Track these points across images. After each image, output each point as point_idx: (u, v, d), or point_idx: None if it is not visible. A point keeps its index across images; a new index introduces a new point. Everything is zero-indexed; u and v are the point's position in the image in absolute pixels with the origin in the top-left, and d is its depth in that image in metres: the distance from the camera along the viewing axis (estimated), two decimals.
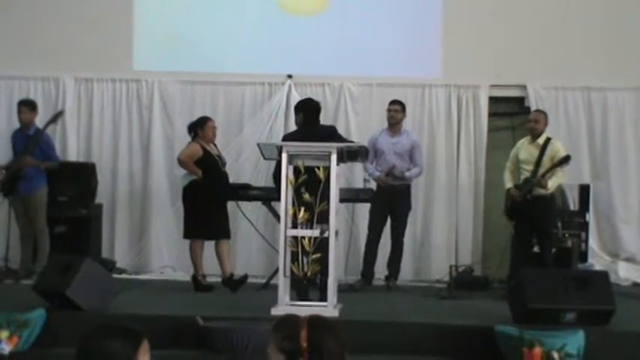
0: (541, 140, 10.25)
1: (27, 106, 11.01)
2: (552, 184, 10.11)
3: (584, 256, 11.41)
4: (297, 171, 7.86)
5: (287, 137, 9.30)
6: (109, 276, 8.69)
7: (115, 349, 3.10)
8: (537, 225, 10.21)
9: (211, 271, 10.45)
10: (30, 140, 10.79)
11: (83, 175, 11.87)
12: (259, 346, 6.57)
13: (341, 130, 10.24)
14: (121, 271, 11.78)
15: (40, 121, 11.09)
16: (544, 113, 10.62)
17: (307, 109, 9.32)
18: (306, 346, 3.25)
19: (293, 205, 7.84)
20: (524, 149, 10.38)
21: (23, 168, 10.69)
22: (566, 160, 10.06)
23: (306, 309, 7.15)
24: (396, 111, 10.85)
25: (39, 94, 12.34)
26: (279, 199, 8.04)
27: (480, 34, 12.28)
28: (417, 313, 8.43)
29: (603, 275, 7.89)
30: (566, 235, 11.20)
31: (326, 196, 7.77)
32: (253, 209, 11.20)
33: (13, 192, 10.75)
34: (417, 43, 12.43)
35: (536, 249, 10.46)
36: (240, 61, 12.46)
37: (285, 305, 7.75)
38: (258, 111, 12.39)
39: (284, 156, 7.87)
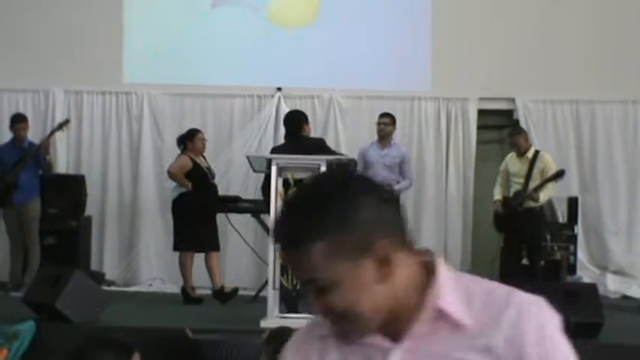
0: (530, 154, 10.33)
1: (24, 121, 11.09)
2: (543, 196, 10.19)
3: (572, 269, 11.43)
4: (286, 183, 7.88)
5: (276, 150, 9.31)
6: (99, 288, 8.70)
7: None
8: (526, 237, 10.26)
9: (201, 283, 10.45)
10: (26, 152, 10.82)
11: (73, 187, 11.86)
12: (248, 359, 6.57)
13: (330, 143, 10.26)
14: (110, 283, 11.76)
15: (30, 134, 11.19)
16: (521, 132, 10.71)
17: (286, 122, 9.38)
18: None
19: None
20: (514, 163, 10.45)
21: (18, 178, 10.72)
22: (560, 174, 10.15)
23: (296, 321, 7.15)
24: (386, 124, 10.88)
25: (29, 107, 12.33)
26: (268, 211, 8.06)
27: (469, 47, 12.32)
28: None
29: (592, 288, 7.92)
30: (555, 247, 11.24)
31: None
32: (243, 222, 11.20)
33: (7, 203, 10.78)
34: (406, 55, 12.46)
35: (524, 261, 10.50)
36: (229, 74, 12.47)
37: (274, 317, 7.75)
38: (248, 123, 12.40)
39: (273, 168, 7.89)
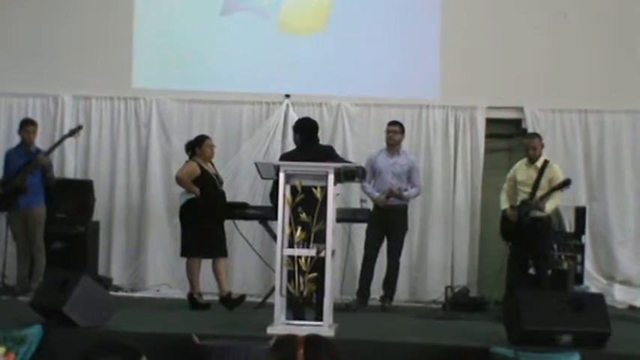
0: (539, 163, 10.32)
1: (35, 125, 11.15)
2: (550, 206, 10.17)
3: (579, 279, 11.41)
4: (294, 190, 7.88)
5: (285, 157, 9.32)
6: (106, 293, 8.71)
7: None
8: (534, 247, 10.24)
9: (208, 289, 10.46)
10: (34, 157, 10.85)
11: (81, 192, 11.90)
12: None
13: (338, 150, 10.26)
14: (117, 288, 11.77)
15: (39, 140, 11.25)
16: (539, 136, 10.70)
17: (303, 129, 9.33)
18: None
19: (290, 224, 7.84)
20: (522, 171, 10.43)
21: (25, 182, 10.74)
22: (566, 183, 10.14)
23: (302, 328, 7.16)
24: (395, 132, 10.89)
25: (38, 112, 12.37)
26: (276, 218, 8.06)
27: (478, 56, 12.32)
28: (412, 334, 8.43)
29: (599, 297, 7.90)
30: (562, 257, 11.21)
31: (323, 216, 7.78)
32: (250, 228, 11.21)
33: (12, 207, 10.81)
34: (414, 64, 12.46)
35: (531, 271, 10.48)
36: (238, 80, 12.49)
37: (281, 324, 7.75)
38: (256, 130, 12.42)
39: (281, 175, 7.89)
